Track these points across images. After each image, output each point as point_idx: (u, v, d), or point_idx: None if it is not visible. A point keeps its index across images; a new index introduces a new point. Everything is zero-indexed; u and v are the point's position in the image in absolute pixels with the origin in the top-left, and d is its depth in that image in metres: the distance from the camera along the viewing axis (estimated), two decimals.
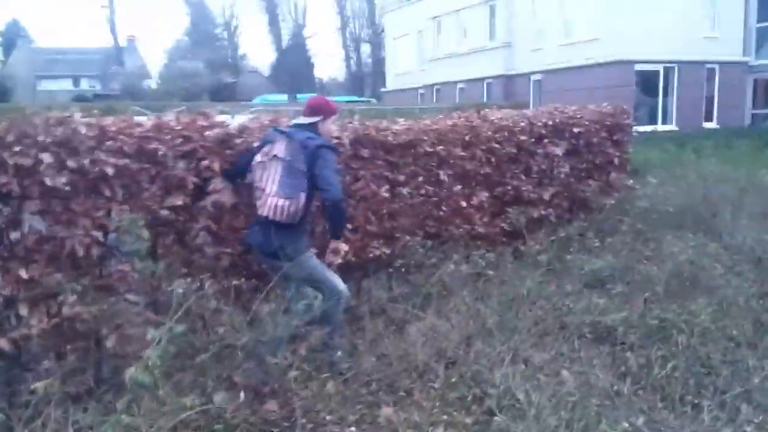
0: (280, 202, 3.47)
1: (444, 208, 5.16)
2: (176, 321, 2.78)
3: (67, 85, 50.14)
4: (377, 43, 47.36)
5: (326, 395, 3.21)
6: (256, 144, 3.80)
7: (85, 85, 50.77)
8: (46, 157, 3.05)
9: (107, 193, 3.29)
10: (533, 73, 23.17)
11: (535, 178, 6.02)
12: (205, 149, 3.71)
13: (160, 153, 3.50)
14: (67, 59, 51.27)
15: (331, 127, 3.90)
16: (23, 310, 3.05)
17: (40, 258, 3.11)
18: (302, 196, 3.51)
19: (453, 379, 3.41)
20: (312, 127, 3.72)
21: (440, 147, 5.08)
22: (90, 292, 3.16)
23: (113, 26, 50.84)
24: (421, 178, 5.03)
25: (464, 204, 5.30)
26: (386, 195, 4.76)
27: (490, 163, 5.59)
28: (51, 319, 3.08)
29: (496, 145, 5.61)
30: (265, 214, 3.52)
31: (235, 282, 3.79)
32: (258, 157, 3.60)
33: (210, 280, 3.66)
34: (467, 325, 3.81)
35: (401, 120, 5.17)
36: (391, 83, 34.39)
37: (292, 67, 45.57)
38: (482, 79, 25.31)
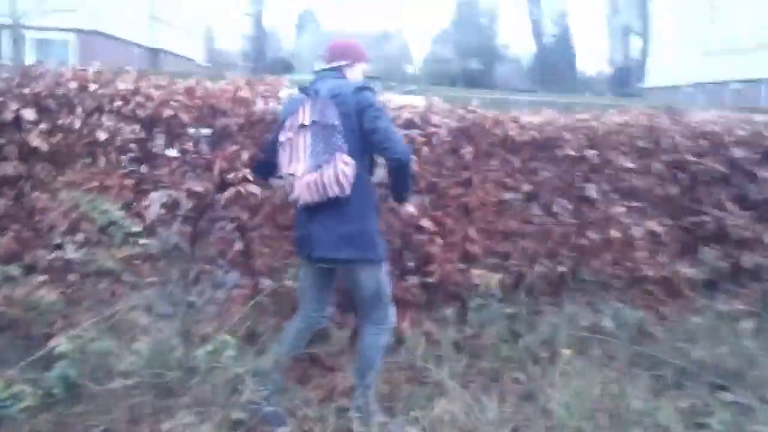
0: (312, 176, 2.51)
1: (590, 235, 3.78)
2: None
3: None
4: (645, 36, 42.65)
5: None
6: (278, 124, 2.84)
7: None
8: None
9: (102, 161, 2.77)
10: None
11: (754, 210, 4.21)
12: (238, 129, 2.99)
13: (179, 124, 2.87)
14: None
15: (359, 75, 2.86)
16: None
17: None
18: (339, 157, 2.50)
19: None
20: (338, 73, 2.78)
21: (592, 151, 3.71)
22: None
23: (383, 15, 53.70)
24: (557, 191, 3.74)
25: (624, 234, 3.84)
26: (502, 208, 3.60)
27: (678, 182, 4.00)
28: None
29: (691, 158, 3.98)
30: (305, 200, 2.55)
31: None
32: (282, 137, 2.65)
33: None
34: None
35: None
36: (653, 79, 30.61)
37: (552, 58, 43.43)
38: (763, 80, 20.96)
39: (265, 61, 49.05)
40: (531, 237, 3.65)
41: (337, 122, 2.55)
